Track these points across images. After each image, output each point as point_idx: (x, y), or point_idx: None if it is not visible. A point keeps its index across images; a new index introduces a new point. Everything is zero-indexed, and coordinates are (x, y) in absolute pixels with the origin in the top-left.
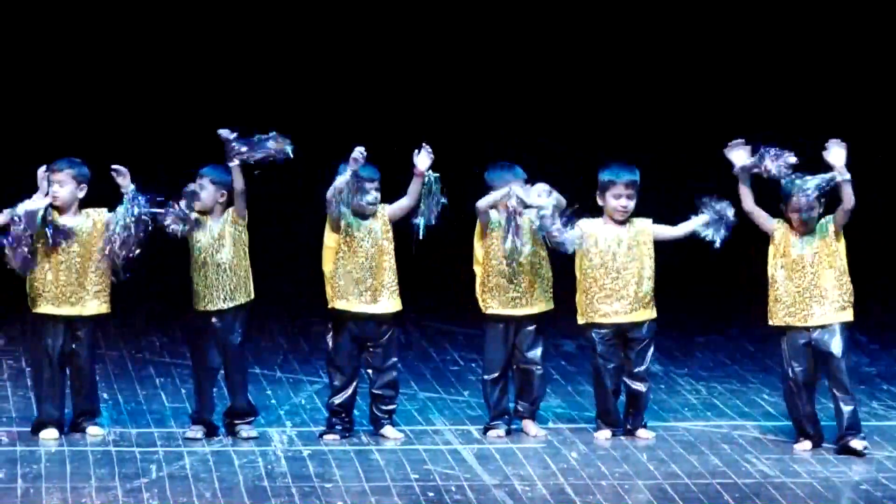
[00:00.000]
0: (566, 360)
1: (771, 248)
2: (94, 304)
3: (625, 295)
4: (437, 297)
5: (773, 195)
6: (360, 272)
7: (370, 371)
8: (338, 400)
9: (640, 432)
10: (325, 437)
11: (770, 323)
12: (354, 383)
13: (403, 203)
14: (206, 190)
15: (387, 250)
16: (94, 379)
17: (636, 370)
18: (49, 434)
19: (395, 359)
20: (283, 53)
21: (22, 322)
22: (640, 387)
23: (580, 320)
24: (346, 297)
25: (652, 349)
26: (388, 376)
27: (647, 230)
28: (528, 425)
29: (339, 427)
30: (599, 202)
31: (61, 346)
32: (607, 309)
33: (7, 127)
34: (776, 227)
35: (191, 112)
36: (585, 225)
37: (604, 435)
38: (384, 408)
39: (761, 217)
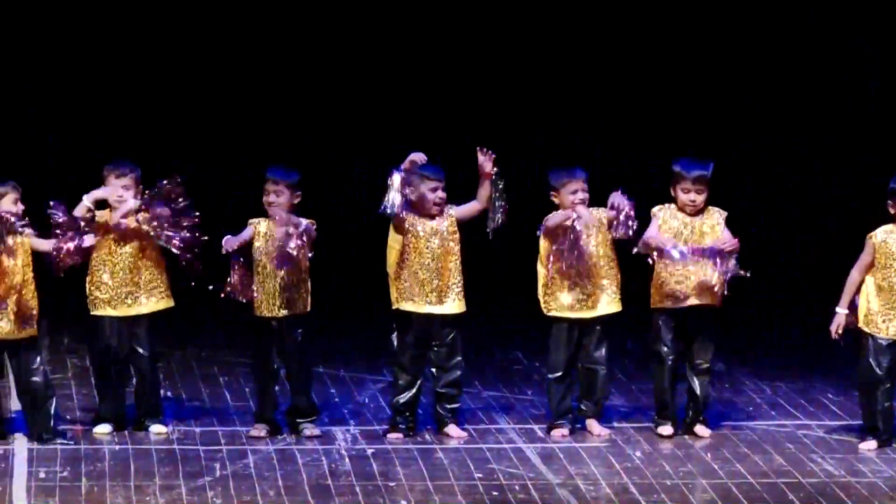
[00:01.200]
0: (630, 360)
1: (865, 257)
2: (151, 302)
3: (695, 282)
4: (503, 297)
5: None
6: (426, 273)
7: (434, 370)
8: (402, 399)
9: (698, 428)
10: (389, 435)
11: (858, 325)
12: (419, 382)
13: (473, 207)
14: (283, 195)
15: (453, 251)
16: (155, 378)
17: (698, 362)
18: (101, 429)
19: (459, 357)
20: (334, 57)
21: (84, 323)
22: (701, 380)
23: (652, 304)
24: (411, 299)
25: (714, 341)
26: (452, 375)
27: (721, 219)
28: (592, 424)
29: (402, 426)
30: (672, 194)
31: (121, 347)
32: (680, 294)
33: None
34: (873, 241)
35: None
36: (662, 212)
37: (665, 430)
38: (448, 406)
39: (862, 263)
